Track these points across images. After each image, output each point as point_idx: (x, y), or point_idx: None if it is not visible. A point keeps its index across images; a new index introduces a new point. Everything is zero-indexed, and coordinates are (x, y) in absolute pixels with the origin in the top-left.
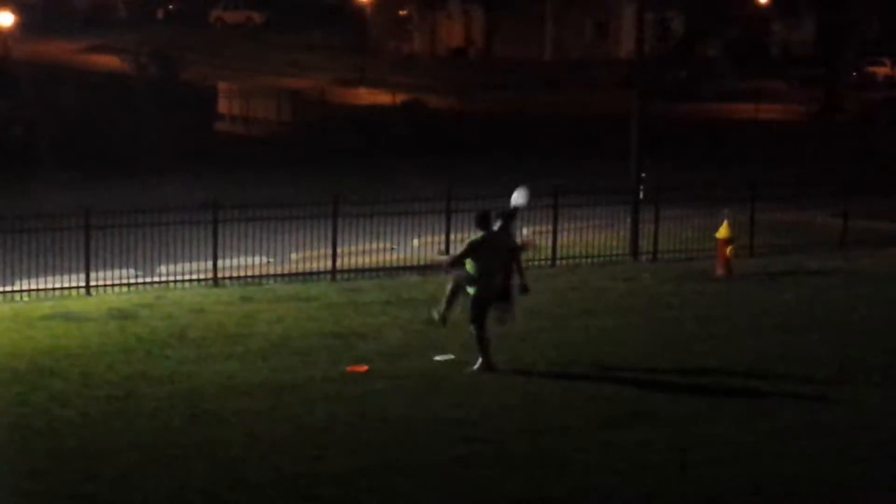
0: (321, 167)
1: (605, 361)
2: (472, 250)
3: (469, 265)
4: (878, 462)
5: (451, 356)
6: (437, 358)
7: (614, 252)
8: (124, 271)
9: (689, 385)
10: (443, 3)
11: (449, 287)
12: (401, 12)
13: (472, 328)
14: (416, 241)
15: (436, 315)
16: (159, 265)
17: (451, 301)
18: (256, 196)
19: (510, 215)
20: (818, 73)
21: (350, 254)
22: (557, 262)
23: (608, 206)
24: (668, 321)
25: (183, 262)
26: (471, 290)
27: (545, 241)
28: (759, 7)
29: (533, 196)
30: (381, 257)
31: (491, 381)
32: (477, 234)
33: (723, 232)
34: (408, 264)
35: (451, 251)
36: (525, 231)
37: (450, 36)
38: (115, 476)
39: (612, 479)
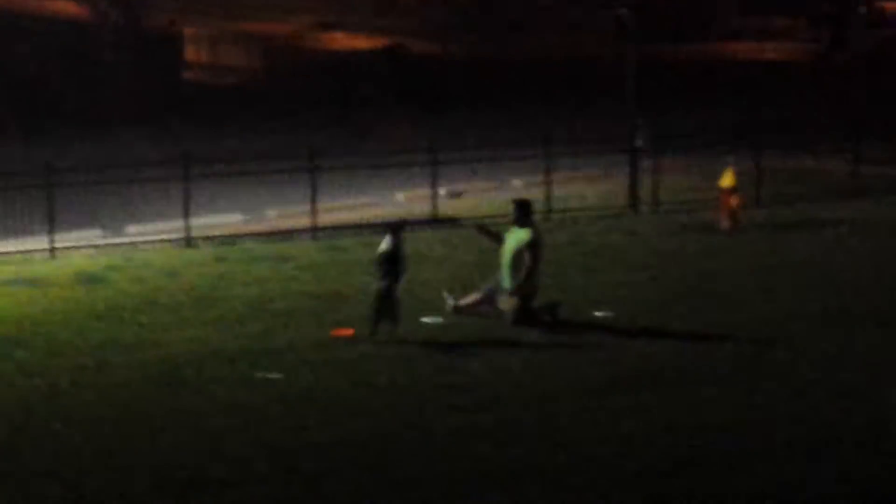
0: (296, 118)
1: (605, 321)
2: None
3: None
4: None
5: (440, 319)
6: (425, 320)
7: (612, 204)
8: (90, 232)
9: (694, 346)
10: None
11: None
12: None
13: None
14: (400, 195)
15: (451, 301)
16: (128, 225)
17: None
18: (229, 150)
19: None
20: (826, 8)
21: (331, 210)
22: (551, 215)
23: (605, 156)
24: (670, 277)
25: (153, 221)
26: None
27: (539, 193)
28: None
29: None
30: (363, 213)
31: (484, 344)
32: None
33: (726, 181)
34: (390, 219)
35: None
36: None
37: None
38: (89, 451)
39: (614, 448)
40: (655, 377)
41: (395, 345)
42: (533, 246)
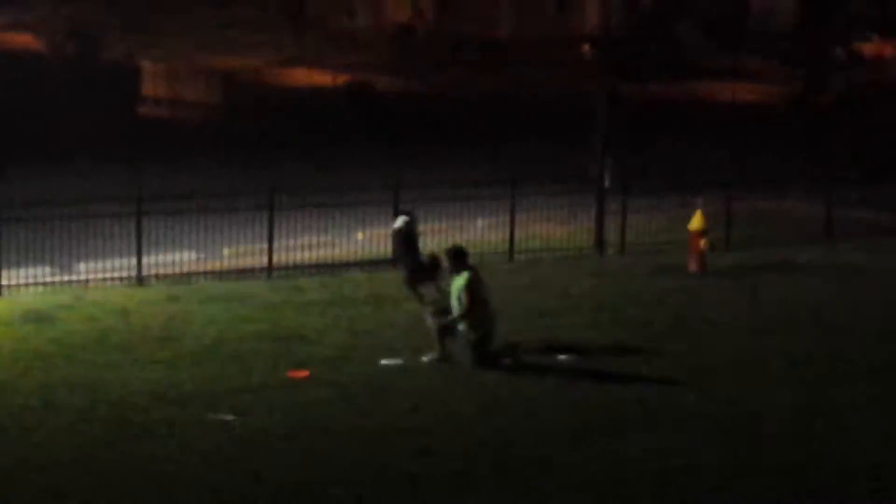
0: (255, 155)
1: (571, 366)
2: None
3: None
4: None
5: (400, 360)
6: (384, 362)
7: (578, 245)
8: (39, 269)
9: (662, 390)
10: None
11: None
12: None
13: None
14: (360, 235)
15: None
16: (78, 262)
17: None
18: (185, 186)
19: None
20: (800, 49)
21: (288, 249)
22: (515, 256)
23: (571, 196)
24: (638, 321)
25: (104, 258)
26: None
27: (502, 235)
28: None
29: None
30: (321, 252)
31: (445, 389)
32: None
33: (696, 223)
34: (351, 260)
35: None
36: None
37: (396, 9)
38: (33, 497)
39: (584, 499)
40: (623, 422)
41: (353, 387)
42: (467, 288)
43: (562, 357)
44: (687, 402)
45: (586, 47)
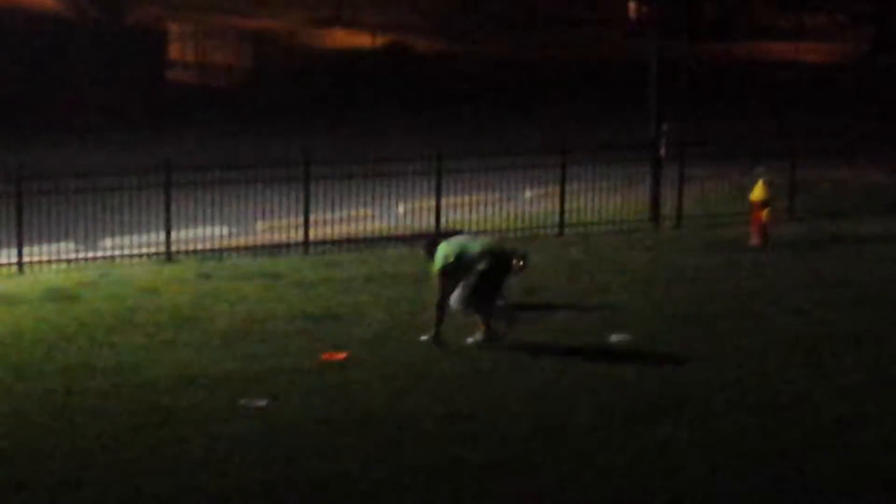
0: (289, 122)
1: (623, 345)
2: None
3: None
4: None
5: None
6: (424, 338)
7: (632, 218)
8: (63, 245)
9: (720, 373)
10: None
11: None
12: None
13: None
14: (401, 208)
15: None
16: (103, 237)
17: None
18: (215, 156)
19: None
20: (869, 6)
21: (325, 222)
22: (565, 229)
23: (625, 165)
24: (695, 298)
25: (131, 233)
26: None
27: (552, 206)
28: None
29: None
30: (360, 226)
31: (491, 371)
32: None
33: (757, 193)
34: (392, 234)
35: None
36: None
37: None
38: (54, 484)
39: (634, 485)
40: (677, 406)
41: (392, 368)
42: (438, 274)
43: (615, 338)
44: (742, 385)
45: (633, 4)
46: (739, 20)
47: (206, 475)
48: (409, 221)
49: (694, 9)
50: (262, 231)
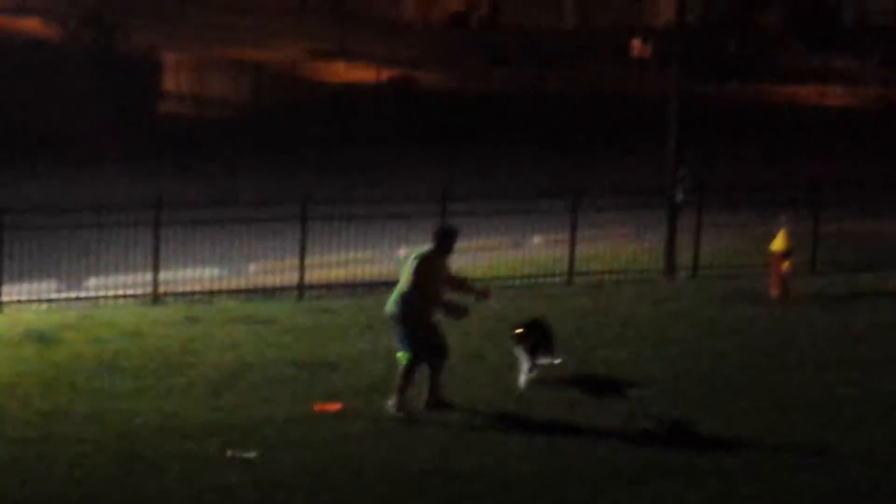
0: (288, 159)
1: (634, 403)
2: None
3: None
4: None
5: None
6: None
7: (645, 267)
8: (44, 284)
9: (734, 433)
10: None
11: None
12: None
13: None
14: (401, 252)
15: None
16: (87, 277)
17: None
18: (208, 193)
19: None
20: None
21: (321, 266)
22: (575, 278)
23: (639, 211)
24: (710, 354)
25: (116, 273)
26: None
27: (561, 254)
28: None
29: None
30: (358, 270)
31: (493, 426)
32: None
33: (779, 244)
34: (391, 279)
35: None
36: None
37: None
38: None
39: None
40: (687, 467)
41: (389, 422)
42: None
43: (630, 394)
44: (762, 445)
45: (637, 42)
46: (765, 61)
47: None
48: None
49: (715, 47)
50: (255, 273)
